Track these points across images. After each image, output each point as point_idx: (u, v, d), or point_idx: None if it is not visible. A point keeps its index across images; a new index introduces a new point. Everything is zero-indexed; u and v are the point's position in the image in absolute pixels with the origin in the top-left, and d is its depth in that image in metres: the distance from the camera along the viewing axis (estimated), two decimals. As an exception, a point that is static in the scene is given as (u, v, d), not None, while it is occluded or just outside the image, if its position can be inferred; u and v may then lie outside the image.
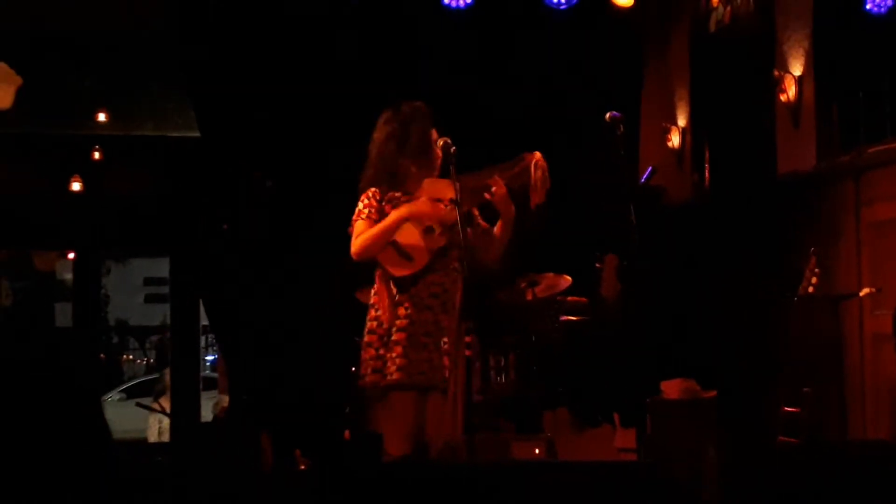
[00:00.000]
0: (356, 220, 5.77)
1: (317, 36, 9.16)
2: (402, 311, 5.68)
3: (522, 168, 5.69)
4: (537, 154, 5.72)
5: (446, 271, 5.73)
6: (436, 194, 5.73)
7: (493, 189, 5.64)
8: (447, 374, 5.63)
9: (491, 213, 5.81)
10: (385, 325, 5.70)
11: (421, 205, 5.72)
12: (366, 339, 5.77)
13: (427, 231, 5.71)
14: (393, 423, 5.67)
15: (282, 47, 9.09)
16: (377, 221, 5.73)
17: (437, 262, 5.72)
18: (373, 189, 5.79)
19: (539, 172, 5.67)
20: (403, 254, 5.70)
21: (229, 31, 9.10)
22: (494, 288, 7.67)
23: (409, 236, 5.71)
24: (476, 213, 5.80)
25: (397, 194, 5.77)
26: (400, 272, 5.71)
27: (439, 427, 5.63)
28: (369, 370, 5.71)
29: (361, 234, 5.73)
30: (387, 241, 5.71)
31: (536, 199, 5.69)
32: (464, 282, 5.67)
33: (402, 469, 4.77)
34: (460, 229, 5.46)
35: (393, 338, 5.67)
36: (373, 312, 5.78)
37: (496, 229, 5.78)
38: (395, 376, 5.62)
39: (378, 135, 5.86)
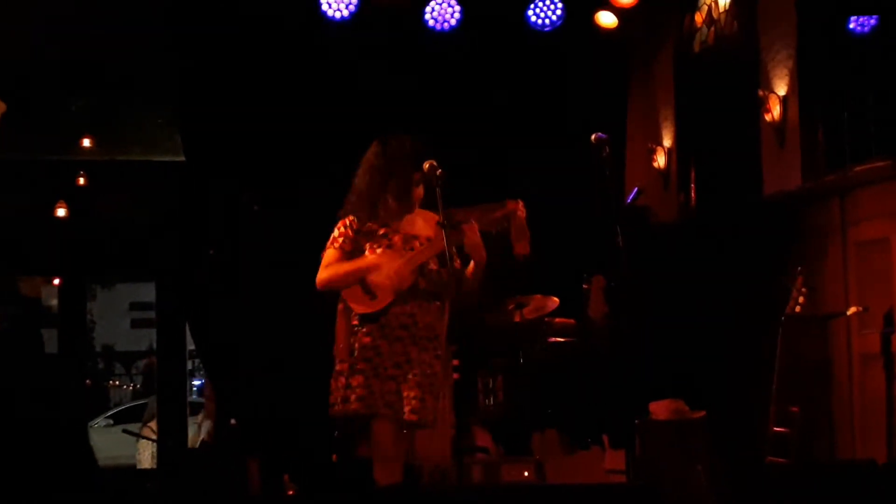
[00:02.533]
0: (328, 248, 5.78)
1: (303, 61, 9.16)
2: (366, 341, 5.66)
3: (503, 214, 5.67)
4: (519, 203, 5.69)
5: (417, 303, 5.70)
6: (410, 231, 5.74)
7: (466, 234, 5.61)
8: (429, 407, 5.60)
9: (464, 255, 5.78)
10: (346, 357, 5.68)
11: (393, 265, 5.67)
12: (337, 367, 5.74)
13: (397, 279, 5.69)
14: (378, 452, 5.66)
15: (268, 71, 9.09)
16: (349, 252, 5.74)
17: (406, 296, 5.68)
18: (351, 217, 5.80)
19: (517, 223, 5.65)
20: (368, 291, 5.68)
21: (215, 56, 9.09)
22: (482, 311, 7.66)
23: (377, 274, 5.70)
24: (453, 251, 5.72)
25: (374, 226, 5.77)
26: (362, 309, 5.70)
27: (428, 452, 5.62)
28: (338, 399, 5.69)
29: (330, 264, 5.74)
30: (354, 281, 5.70)
31: (520, 249, 5.67)
32: (450, 306, 5.65)
33: (391, 494, 4.76)
34: (446, 251, 5.45)
35: (357, 367, 5.65)
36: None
37: (468, 271, 5.74)
38: (353, 406, 5.61)
39: (364, 166, 5.86)
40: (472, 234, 5.61)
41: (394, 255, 5.68)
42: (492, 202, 5.74)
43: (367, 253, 5.72)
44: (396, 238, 5.74)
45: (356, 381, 5.62)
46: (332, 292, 5.78)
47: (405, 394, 5.59)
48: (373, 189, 5.78)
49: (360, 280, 5.68)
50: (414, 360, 5.63)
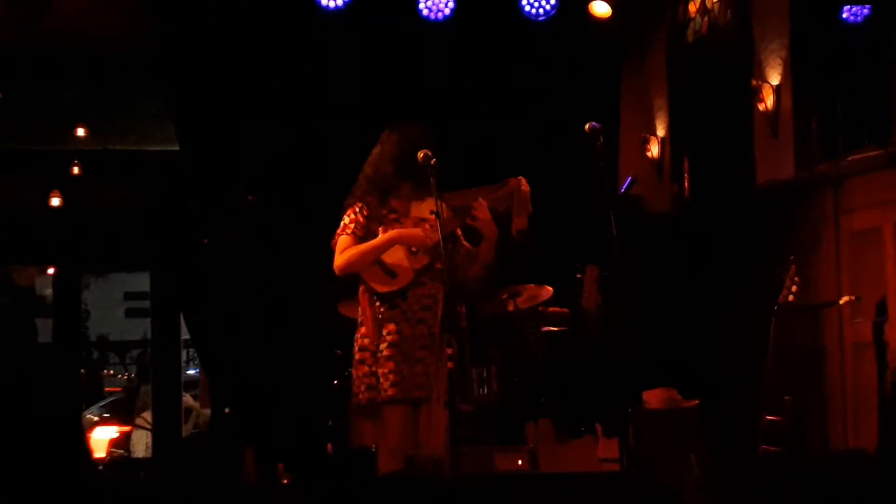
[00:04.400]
0: (340, 235, 5.78)
1: (297, 50, 9.15)
2: (391, 327, 5.69)
3: (506, 192, 5.70)
4: (521, 180, 5.73)
5: (435, 284, 5.74)
6: (420, 214, 5.78)
7: (476, 213, 5.66)
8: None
9: (475, 235, 5.82)
10: (374, 341, 5.71)
11: (411, 230, 5.74)
12: (357, 356, 5.77)
13: (412, 251, 5.73)
14: (387, 439, 5.68)
15: (261, 61, 9.08)
16: (361, 237, 5.75)
17: (423, 277, 5.73)
18: (360, 204, 5.82)
19: (520, 197, 5.68)
20: (388, 271, 5.72)
21: (209, 45, 9.09)
22: (476, 300, 7.67)
23: (394, 255, 5.73)
24: (460, 233, 5.80)
25: (384, 211, 5.80)
26: (383, 288, 5.73)
27: (428, 440, 5.64)
28: (363, 387, 5.71)
29: (346, 249, 5.74)
30: (373, 260, 5.72)
31: (518, 224, 5.69)
32: (445, 294, 5.68)
33: (390, 484, 4.78)
34: (441, 242, 5.47)
35: (384, 353, 5.67)
36: (362, 329, 5.79)
37: (480, 251, 5.78)
38: (389, 392, 5.64)
39: (377, 152, 5.88)
40: (482, 211, 5.66)
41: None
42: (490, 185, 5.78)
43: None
44: (407, 221, 5.77)
45: (387, 367, 5.64)
46: (351, 279, 5.81)
47: (435, 374, 5.62)
48: (386, 175, 5.81)
49: (379, 260, 5.71)
50: (438, 340, 5.67)
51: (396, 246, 5.73)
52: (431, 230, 5.64)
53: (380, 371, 5.67)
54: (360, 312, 5.83)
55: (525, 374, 7.77)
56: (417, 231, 5.72)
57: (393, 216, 5.80)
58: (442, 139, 5.79)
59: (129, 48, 10.25)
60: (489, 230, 5.71)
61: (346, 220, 5.81)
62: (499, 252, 5.80)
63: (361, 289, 5.81)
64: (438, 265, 5.70)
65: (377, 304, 5.74)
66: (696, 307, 8.53)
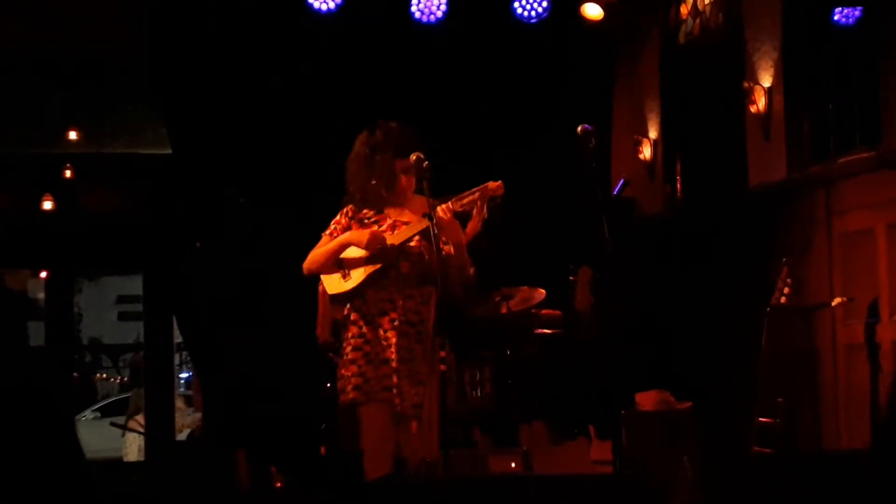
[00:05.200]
0: (323, 234, 5.87)
1: (289, 53, 9.15)
2: (354, 330, 5.73)
3: (475, 196, 5.66)
4: (495, 184, 5.67)
5: (398, 287, 5.72)
6: (402, 217, 5.78)
7: (439, 216, 5.59)
8: (415, 396, 5.62)
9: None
10: (325, 339, 5.79)
11: (361, 232, 5.75)
12: (342, 357, 5.80)
13: (371, 254, 5.71)
14: (366, 441, 5.68)
15: (254, 63, 9.07)
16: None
17: (385, 281, 5.71)
18: (349, 206, 5.88)
19: (480, 203, 5.62)
20: (344, 274, 5.77)
21: (201, 48, 9.08)
22: (469, 302, 7.66)
23: (354, 258, 5.75)
24: (444, 238, 5.71)
25: (369, 213, 5.83)
26: (333, 289, 5.79)
27: (416, 443, 5.62)
28: (343, 389, 5.74)
29: (315, 249, 5.82)
30: (331, 262, 5.77)
31: (472, 227, 5.66)
32: (438, 297, 5.67)
33: (379, 487, 4.77)
34: (433, 245, 5.46)
35: (348, 356, 5.71)
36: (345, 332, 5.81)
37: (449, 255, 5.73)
38: (350, 395, 5.67)
39: (351, 156, 5.90)
40: (445, 213, 5.62)
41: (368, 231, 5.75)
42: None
43: None
44: (385, 223, 5.78)
45: (351, 370, 5.67)
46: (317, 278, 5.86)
47: (394, 381, 5.61)
48: (360, 177, 5.84)
49: (339, 262, 5.75)
50: (394, 346, 5.65)
51: (355, 249, 5.74)
52: (391, 234, 5.65)
53: (345, 373, 5.71)
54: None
55: (518, 377, 7.77)
56: (366, 233, 5.72)
57: (374, 217, 5.82)
58: (426, 140, 5.79)
59: (122, 51, 10.23)
60: (453, 235, 5.67)
61: (333, 220, 5.88)
62: (471, 256, 5.77)
63: (320, 288, 5.87)
64: (406, 268, 5.70)
65: (331, 305, 5.81)
66: (689, 309, 8.54)
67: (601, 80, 10.05)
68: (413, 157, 5.63)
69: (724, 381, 7.94)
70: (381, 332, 5.69)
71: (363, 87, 9.02)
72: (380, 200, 5.83)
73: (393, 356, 5.64)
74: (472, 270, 5.80)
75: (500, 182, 5.69)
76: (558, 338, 8.22)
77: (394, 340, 5.65)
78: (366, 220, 5.81)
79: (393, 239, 5.68)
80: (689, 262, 8.71)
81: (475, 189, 5.69)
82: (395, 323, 5.67)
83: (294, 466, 8.02)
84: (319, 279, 5.87)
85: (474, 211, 5.65)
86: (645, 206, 9.70)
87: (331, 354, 6.87)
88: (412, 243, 5.71)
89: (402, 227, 5.73)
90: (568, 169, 6.72)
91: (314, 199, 8.65)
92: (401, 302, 5.70)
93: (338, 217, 5.88)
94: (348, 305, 5.78)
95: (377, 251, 5.67)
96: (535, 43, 9.42)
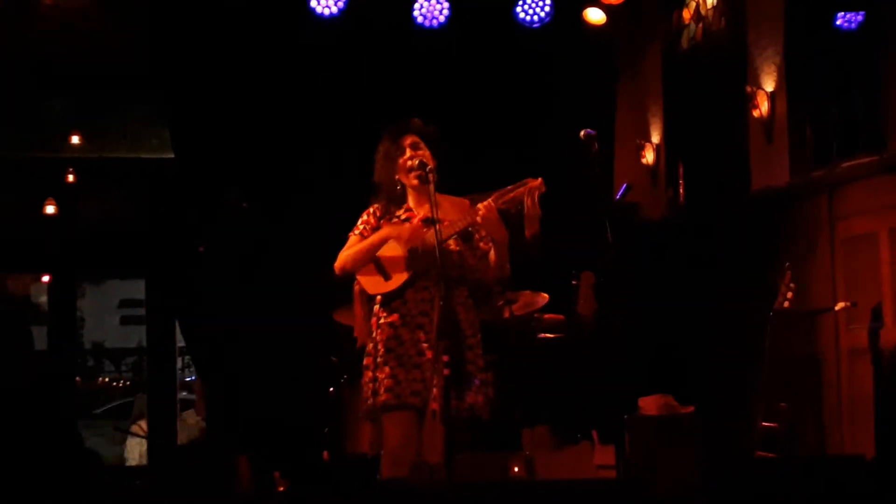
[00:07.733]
0: (350, 234, 5.80)
1: (291, 57, 9.15)
2: (389, 332, 5.66)
3: (518, 193, 5.56)
4: (537, 181, 5.59)
5: (438, 287, 5.68)
6: (430, 215, 5.70)
7: (481, 214, 5.54)
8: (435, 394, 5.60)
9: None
10: (369, 346, 5.70)
11: (401, 226, 5.70)
12: (364, 361, 5.75)
13: (412, 252, 5.67)
14: (388, 445, 5.65)
15: (256, 68, 9.08)
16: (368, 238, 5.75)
17: (421, 281, 5.67)
18: (375, 205, 5.84)
19: (529, 201, 5.54)
20: (382, 272, 5.69)
21: (203, 52, 9.09)
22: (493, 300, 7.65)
23: (392, 256, 5.70)
24: (478, 235, 5.71)
25: (399, 211, 5.80)
26: (374, 290, 5.71)
27: (426, 448, 5.60)
28: (369, 393, 5.68)
29: (347, 248, 5.75)
30: (367, 260, 5.70)
31: (530, 228, 5.56)
32: (441, 301, 5.64)
33: (385, 490, 4.77)
34: (437, 249, 5.43)
35: (380, 359, 5.65)
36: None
37: (491, 252, 5.69)
38: (382, 398, 5.59)
39: (377, 153, 5.88)
40: (487, 211, 5.53)
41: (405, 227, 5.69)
42: (506, 187, 5.68)
43: None
44: (416, 221, 5.71)
45: (384, 371, 5.60)
46: (347, 282, 5.80)
47: (434, 383, 5.52)
48: (386, 175, 5.81)
49: (376, 261, 5.68)
50: (434, 347, 5.58)
51: (395, 249, 5.68)
52: (430, 232, 5.59)
53: (378, 375, 5.64)
54: (354, 310, 5.83)
55: (521, 381, 7.77)
56: (406, 227, 5.67)
57: (406, 215, 5.77)
58: (437, 142, 5.79)
59: (124, 55, 10.23)
60: (494, 230, 5.58)
61: (360, 220, 5.83)
62: (513, 254, 5.70)
63: (356, 290, 5.80)
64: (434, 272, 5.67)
65: (373, 305, 5.72)
66: (692, 313, 8.53)
67: (603, 85, 10.05)
68: (416, 160, 5.64)
69: (728, 386, 7.93)
70: (423, 333, 5.62)
71: (365, 91, 9.03)
72: (413, 194, 5.79)
73: (429, 359, 5.57)
74: (508, 268, 5.76)
75: (540, 179, 5.60)
76: (561, 342, 8.22)
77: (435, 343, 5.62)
78: (395, 217, 5.77)
79: (431, 237, 5.56)
80: (691, 266, 8.71)
81: (515, 185, 5.62)
82: (435, 325, 5.64)
83: (297, 471, 8.03)
84: (355, 279, 5.77)
85: (525, 210, 5.55)
86: (648, 211, 9.69)
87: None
88: (449, 243, 5.65)
89: (437, 226, 5.65)
90: (571, 173, 6.72)
91: (316, 202, 8.67)
92: (438, 303, 5.66)
93: (364, 217, 5.81)
94: (377, 307, 5.74)
95: (418, 244, 5.63)
96: (537, 47, 9.43)
